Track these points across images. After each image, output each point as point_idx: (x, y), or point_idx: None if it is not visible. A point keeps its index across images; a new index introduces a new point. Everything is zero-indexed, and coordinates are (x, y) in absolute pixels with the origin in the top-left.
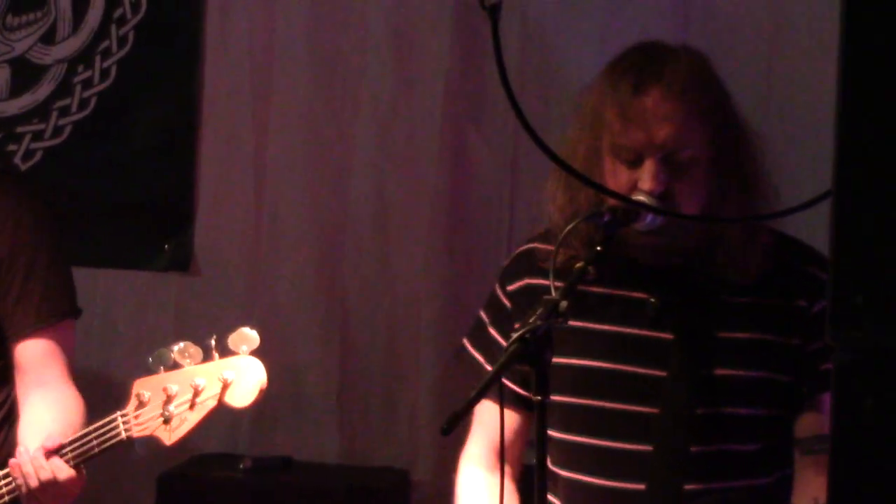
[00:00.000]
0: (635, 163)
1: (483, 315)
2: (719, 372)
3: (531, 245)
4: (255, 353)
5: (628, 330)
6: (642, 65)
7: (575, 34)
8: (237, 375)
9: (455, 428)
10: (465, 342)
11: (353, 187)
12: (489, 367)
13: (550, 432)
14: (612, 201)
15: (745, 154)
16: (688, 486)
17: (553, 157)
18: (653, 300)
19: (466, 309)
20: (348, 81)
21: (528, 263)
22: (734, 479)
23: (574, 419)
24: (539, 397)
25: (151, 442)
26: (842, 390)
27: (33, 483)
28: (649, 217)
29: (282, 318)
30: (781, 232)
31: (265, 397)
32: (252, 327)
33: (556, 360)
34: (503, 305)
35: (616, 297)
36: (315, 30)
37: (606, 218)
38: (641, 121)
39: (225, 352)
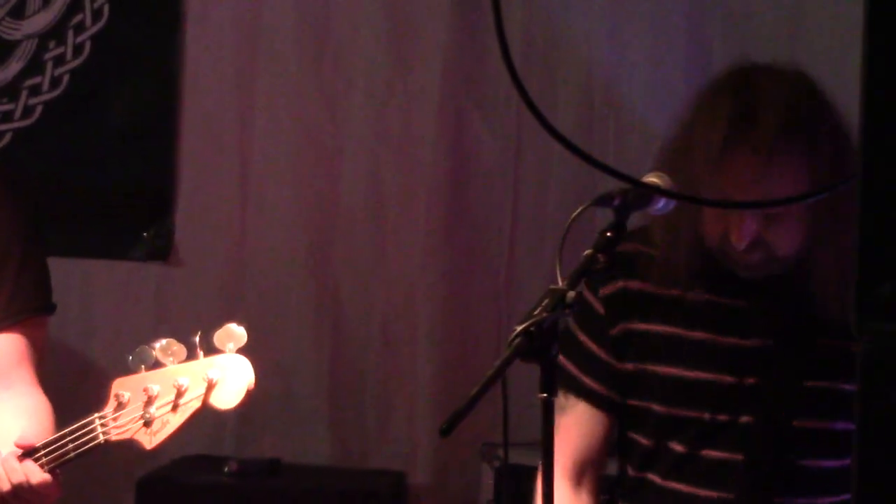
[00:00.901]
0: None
1: (572, 324)
2: (816, 384)
3: (627, 246)
4: (241, 350)
5: (722, 339)
6: (733, 112)
7: (583, 7)
8: (223, 375)
9: (455, 428)
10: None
11: (345, 173)
12: (583, 378)
13: (637, 437)
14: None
15: (846, 191)
16: (778, 499)
17: (561, 139)
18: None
19: (466, 303)
20: (340, 59)
21: (622, 266)
22: (824, 494)
23: (666, 430)
24: (545, 395)
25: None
26: (869, 384)
27: (5, 486)
28: (662, 202)
29: (269, 312)
30: None
31: (252, 397)
32: (239, 323)
33: (645, 366)
34: (594, 310)
35: (711, 304)
36: (304, 2)
37: (616, 202)
38: (729, 177)
39: (210, 350)
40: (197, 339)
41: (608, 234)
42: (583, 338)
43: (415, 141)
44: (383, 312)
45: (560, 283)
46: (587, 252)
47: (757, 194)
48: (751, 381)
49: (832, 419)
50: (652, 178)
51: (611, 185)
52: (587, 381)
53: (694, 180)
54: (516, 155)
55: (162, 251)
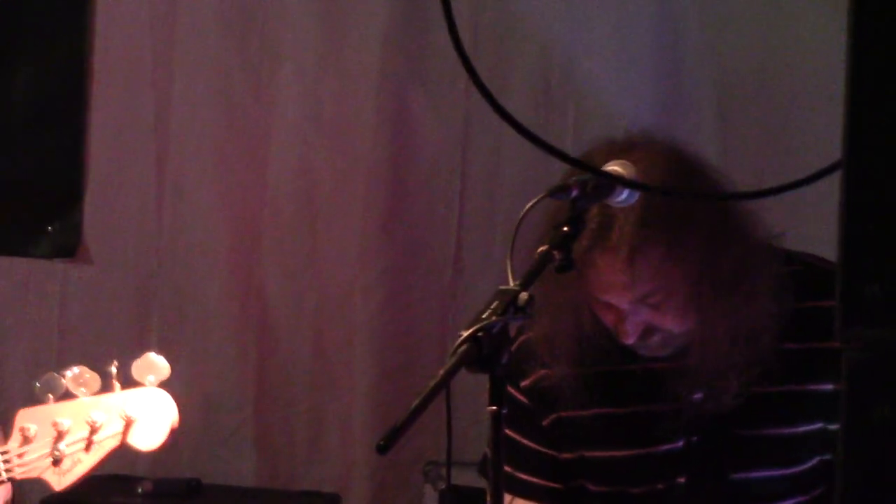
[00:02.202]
0: (615, 308)
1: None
2: (748, 432)
3: (528, 335)
4: (163, 384)
5: (650, 408)
6: (593, 221)
7: None
8: (142, 412)
9: (394, 445)
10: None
11: (273, 159)
12: (520, 475)
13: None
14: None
15: (724, 253)
16: None
17: (514, 123)
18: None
19: (408, 306)
20: (267, 31)
21: (534, 356)
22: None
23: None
24: (493, 407)
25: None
26: (853, 395)
27: None
28: (625, 192)
29: (187, 315)
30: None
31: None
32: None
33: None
34: (520, 404)
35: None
36: None
37: (574, 193)
38: (596, 280)
39: (128, 382)
40: (114, 368)
41: (565, 228)
42: (512, 434)
43: (350, 124)
44: (315, 316)
45: (511, 284)
46: (541, 249)
47: (625, 295)
48: (681, 444)
49: (768, 466)
50: (614, 167)
51: (567, 174)
52: (524, 477)
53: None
54: (464, 140)
55: (68, 247)
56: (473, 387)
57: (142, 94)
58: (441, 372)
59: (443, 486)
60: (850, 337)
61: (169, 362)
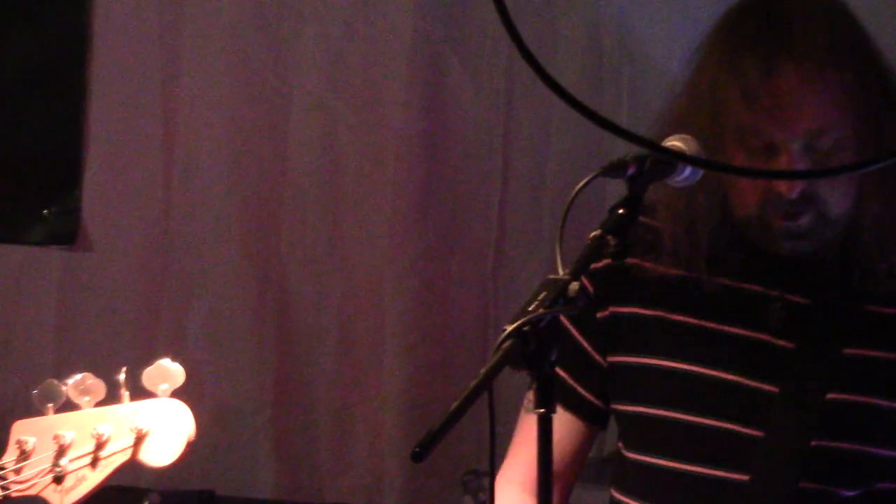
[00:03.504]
0: (767, 151)
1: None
2: (841, 397)
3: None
4: (177, 393)
5: (742, 332)
6: (767, 33)
7: None
8: (155, 424)
9: (430, 452)
10: None
11: (294, 135)
12: (574, 383)
13: (624, 452)
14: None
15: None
16: (803, 484)
17: (562, 93)
18: (779, 303)
19: (445, 297)
20: None
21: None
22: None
23: (655, 436)
24: (542, 410)
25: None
26: None
27: None
28: (688, 170)
29: (199, 309)
30: None
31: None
32: (174, 359)
33: (639, 359)
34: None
35: (732, 291)
36: None
37: (631, 171)
38: (773, 106)
39: (138, 391)
40: (122, 375)
41: (620, 210)
42: (564, 323)
43: (380, 95)
44: (341, 308)
45: (560, 273)
46: (594, 233)
47: (808, 116)
48: (768, 387)
49: (864, 442)
50: (675, 143)
51: (623, 150)
52: (564, 377)
53: (727, 114)
54: (506, 112)
55: (67, 233)
56: (520, 387)
57: (147, 60)
58: (482, 371)
59: (484, 497)
60: None
61: (179, 360)
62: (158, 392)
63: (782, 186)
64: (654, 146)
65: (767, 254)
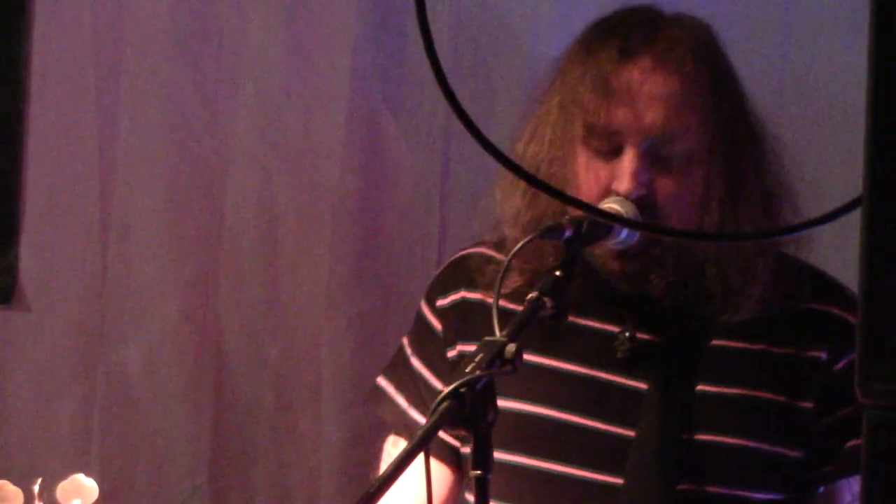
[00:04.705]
0: (612, 153)
1: (405, 343)
2: (701, 437)
3: (474, 250)
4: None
5: (591, 372)
6: (631, 26)
7: None
8: None
9: None
10: (380, 380)
11: (231, 192)
12: (413, 413)
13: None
14: (576, 211)
15: (753, 152)
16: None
17: (499, 155)
18: (626, 335)
19: (382, 356)
20: (224, 50)
21: (465, 273)
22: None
23: (513, 483)
24: (479, 472)
25: None
26: (874, 454)
27: None
28: (624, 232)
29: (136, 368)
30: (799, 260)
31: (111, 477)
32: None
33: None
34: (430, 327)
35: (580, 329)
36: None
37: (568, 233)
38: (625, 95)
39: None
40: (37, 487)
41: (557, 273)
42: (415, 362)
43: (318, 155)
44: (278, 367)
45: (498, 334)
46: (531, 295)
47: (658, 111)
48: (624, 431)
49: (733, 482)
50: (612, 205)
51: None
52: (419, 417)
53: (580, 112)
54: (443, 172)
55: (2, 292)
56: None
57: (84, 120)
58: (419, 432)
59: None
60: (871, 393)
61: (113, 421)
62: None
63: (620, 187)
64: (591, 208)
65: (614, 290)
